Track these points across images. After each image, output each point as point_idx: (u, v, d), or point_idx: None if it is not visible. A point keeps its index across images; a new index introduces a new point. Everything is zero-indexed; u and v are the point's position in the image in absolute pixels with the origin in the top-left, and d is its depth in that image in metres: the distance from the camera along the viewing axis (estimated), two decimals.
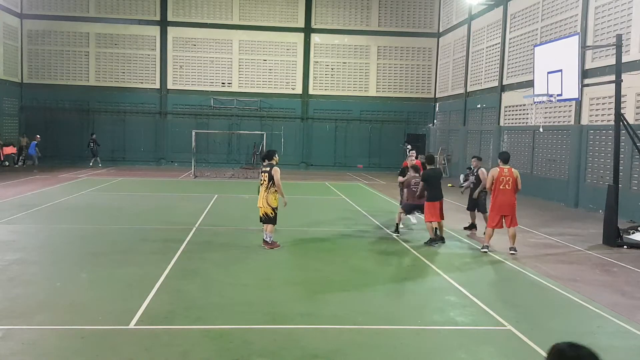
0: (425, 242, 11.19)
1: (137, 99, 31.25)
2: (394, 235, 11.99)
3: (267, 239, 10.38)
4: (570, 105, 18.15)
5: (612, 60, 14.47)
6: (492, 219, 10.56)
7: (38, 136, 28.07)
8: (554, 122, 19.31)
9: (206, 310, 6.91)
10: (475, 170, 12.86)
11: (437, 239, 11.25)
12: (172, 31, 31.23)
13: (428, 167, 11.55)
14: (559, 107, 18.72)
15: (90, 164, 28.39)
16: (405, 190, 12.18)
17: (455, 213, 15.70)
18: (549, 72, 13.21)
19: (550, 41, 15.41)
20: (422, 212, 11.62)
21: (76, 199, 16.49)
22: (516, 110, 22.35)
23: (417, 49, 32.44)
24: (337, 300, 7.47)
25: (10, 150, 27.17)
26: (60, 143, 29.70)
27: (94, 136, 29.00)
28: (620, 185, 12.57)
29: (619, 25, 16.15)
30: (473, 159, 13.28)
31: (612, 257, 10.65)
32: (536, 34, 20.80)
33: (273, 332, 6.24)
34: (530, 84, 16.80)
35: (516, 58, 22.45)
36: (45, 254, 9.65)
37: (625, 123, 12.00)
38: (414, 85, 32.67)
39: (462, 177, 20.01)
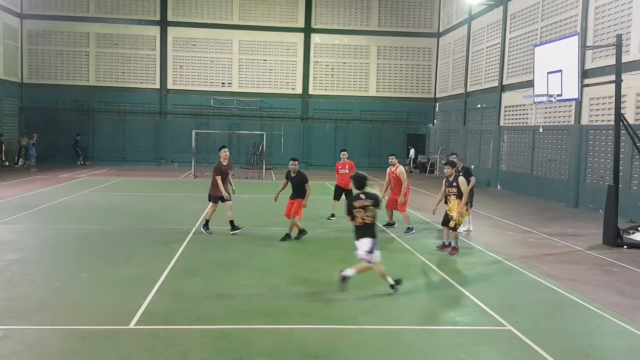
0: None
1: (137, 99, 31.25)
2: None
3: (455, 245, 10.43)
4: (570, 105, 18.15)
5: (612, 60, 14.48)
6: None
7: (35, 135, 28.10)
8: (554, 122, 19.31)
9: (206, 310, 6.91)
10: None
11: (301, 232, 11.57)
12: (172, 31, 31.22)
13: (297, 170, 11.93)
14: (559, 107, 18.72)
15: (79, 162, 29.33)
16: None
17: None
18: (549, 72, 13.21)
19: (550, 41, 15.40)
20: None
21: (76, 199, 16.49)
22: (516, 110, 22.34)
23: (417, 49, 32.44)
24: (337, 300, 7.48)
25: None
26: (60, 143, 29.67)
27: (79, 137, 29.78)
28: (620, 185, 12.56)
29: (619, 25, 16.15)
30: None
31: (612, 257, 10.65)
32: (536, 34, 20.80)
33: (273, 332, 6.24)
34: (530, 84, 16.81)
35: (516, 58, 22.45)
36: (45, 254, 9.65)
37: (625, 123, 11.99)
38: (414, 85, 32.67)
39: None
